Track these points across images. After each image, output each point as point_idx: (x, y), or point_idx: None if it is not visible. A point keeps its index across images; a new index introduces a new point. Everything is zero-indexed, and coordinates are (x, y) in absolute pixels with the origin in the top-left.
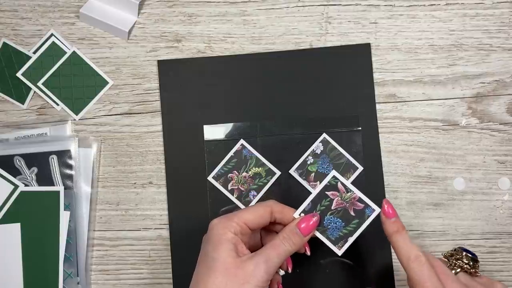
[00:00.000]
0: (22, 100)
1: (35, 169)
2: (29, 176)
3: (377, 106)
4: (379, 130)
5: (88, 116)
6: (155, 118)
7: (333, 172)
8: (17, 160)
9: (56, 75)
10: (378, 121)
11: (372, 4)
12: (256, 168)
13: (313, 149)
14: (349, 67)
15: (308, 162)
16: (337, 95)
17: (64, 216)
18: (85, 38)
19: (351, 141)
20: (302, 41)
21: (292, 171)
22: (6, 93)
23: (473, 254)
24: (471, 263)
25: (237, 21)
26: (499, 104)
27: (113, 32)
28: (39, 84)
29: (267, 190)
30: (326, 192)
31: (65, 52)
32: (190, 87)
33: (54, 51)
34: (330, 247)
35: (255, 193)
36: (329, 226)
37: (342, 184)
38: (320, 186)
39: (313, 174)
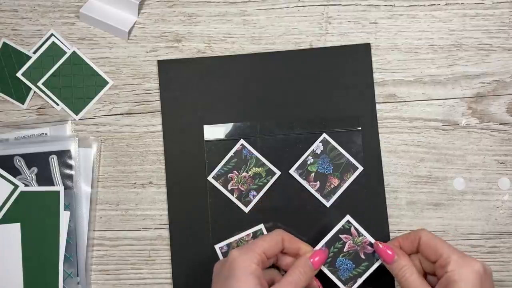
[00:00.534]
0: (22, 100)
1: (35, 169)
2: (29, 176)
3: (377, 106)
4: (379, 130)
5: (88, 116)
6: (155, 118)
7: (348, 217)
8: (17, 160)
9: (56, 75)
10: (378, 121)
11: (372, 4)
12: (256, 168)
13: (313, 149)
14: (349, 67)
15: (308, 162)
16: (337, 95)
17: (64, 216)
18: (85, 38)
19: (351, 141)
20: (302, 41)
21: (292, 171)
22: (6, 93)
23: None
24: None
25: (237, 21)
26: (499, 104)
27: (113, 32)
28: (39, 84)
29: (267, 190)
30: (340, 235)
31: (65, 52)
32: (190, 87)
33: (54, 51)
34: (340, 286)
35: (255, 193)
36: (341, 267)
37: (355, 228)
38: (335, 229)
39: (313, 174)
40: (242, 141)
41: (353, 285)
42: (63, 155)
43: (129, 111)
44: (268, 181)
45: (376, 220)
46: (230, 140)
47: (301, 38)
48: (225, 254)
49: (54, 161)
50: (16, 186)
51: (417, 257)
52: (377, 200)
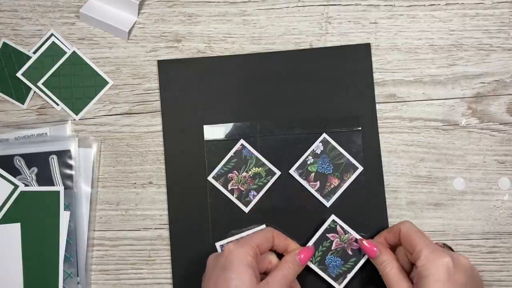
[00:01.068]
0: (22, 100)
1: (35, 169)
2: (29, 176)
3: (377, 106)
4: (379, 130)
5: (88, 116)
6: (155, 118)
7: (333, 216)
8: (17, 160)
9: (56, 75)
10: (378, 121)
11: (372, 4)
12: (256, 168)
13: (313, 149)
14: (349, 67)
15: (308, 162)
16: (337, 95)
17: (64, 216)
18: (85, 38)
19: (351, 141)
20: (302, 41)
21: (292, 171)
22: (6, 93)
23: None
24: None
25: (237, 21)
26: (499, 104)
27: (113, 32)
28: (39, 84)
29: (267, 190)
30: (327, 235)
31: (65, 52)
32: (190, 87)
33: (54, 51)
34: (331, 283)
35: (255, 193)
36: (330, 265)
37: (341, 227)
38: (321, 229)
39: (313, 174)
40: (242, 141)
41: (343, 281)
42: (63, 155)
43: (129, 111)
44: (268, 181)
45: (376, 220)
46: (230, 140)
47: (301, 38)
48: None
49: (54, 161)
50: (16, 186)
51: (403, 249)
52: (377, 200)
